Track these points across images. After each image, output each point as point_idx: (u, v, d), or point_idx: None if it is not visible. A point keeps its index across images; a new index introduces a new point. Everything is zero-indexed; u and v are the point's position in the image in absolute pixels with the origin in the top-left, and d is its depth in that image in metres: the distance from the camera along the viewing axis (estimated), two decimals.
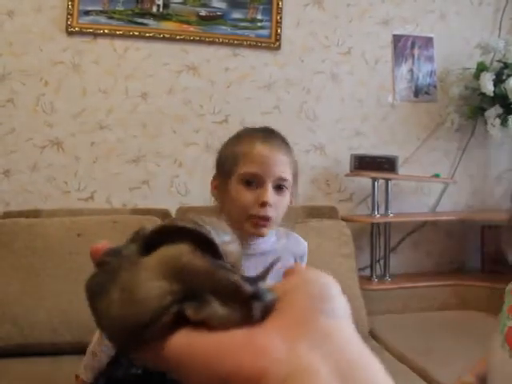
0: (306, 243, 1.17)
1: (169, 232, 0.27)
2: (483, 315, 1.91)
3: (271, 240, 1.10)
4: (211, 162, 1.21)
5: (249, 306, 0.24)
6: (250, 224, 1.00)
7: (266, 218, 0.99)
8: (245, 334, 0.24)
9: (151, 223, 1.81)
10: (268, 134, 1.05)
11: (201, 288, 0.25)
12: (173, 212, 1.94)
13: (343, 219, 2.11)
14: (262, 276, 0.26)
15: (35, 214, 1.84)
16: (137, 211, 1.94)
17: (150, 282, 0.25)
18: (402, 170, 2.32)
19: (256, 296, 0.25)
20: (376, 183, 2.22)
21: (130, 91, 2.16)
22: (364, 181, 2.32)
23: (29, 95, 2.06)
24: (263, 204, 0.98)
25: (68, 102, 2.10)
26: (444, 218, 2.39)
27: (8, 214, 1.84)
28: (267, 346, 0.23)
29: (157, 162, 2.18)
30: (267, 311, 0.25)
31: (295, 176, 1.06)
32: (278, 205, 1.01)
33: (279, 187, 1.01)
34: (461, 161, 2.52)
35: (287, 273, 0.29)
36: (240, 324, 0.24)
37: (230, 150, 1.07)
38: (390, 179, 2.24)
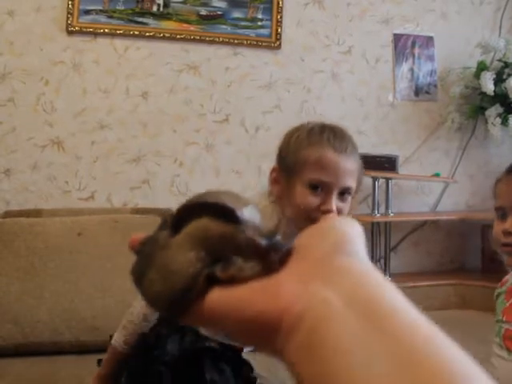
0: None
1: (191, 210, 0.30)
2: (483, 314, 1.91)
3: None
4: (211, 161, 1.21)
5: (267, 257, 0.27)
6: (310, 224, 1.00)
7: None
8: (266, 281, 0.27)
9: (156, 222, 1.81)
10: (339, 140, 1.03)
11: (224, 251, 0.28)
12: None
13: None
14: (275, 230, 0.29)
15: (36, 213, 1.84)
16: (137, 210, 1.94)
17: (181, 255, 0.28)
18: (402, 169, 2.32)
19: (272, 248, 0.28)
20: (376, 182, 2.22)
21: (131, 91, 2.16)
22: (364, 180, 2.31)
23: (29, 95, 2.06)
24: (327, 211, 0.98)
25: (68, 101, 2.10)
26: (444, 217, 2.39)
27: (9, 214, 1.84)
28: (285, 288, 0.26)
29: (157, 162, 2.18)
30: (284, 260, 0.28)
31: (359, 182, 1.07)
32: (340, 211, 1.01)
33: (343, 194, 1.02)
34: (461, 160, 2.52)
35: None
36: (262, 275, 0.27)
37: (297, 149, 1.04)
38: (390, 179, 2.24)
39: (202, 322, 0.28)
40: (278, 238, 0.29)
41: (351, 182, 1.02)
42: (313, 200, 0.99)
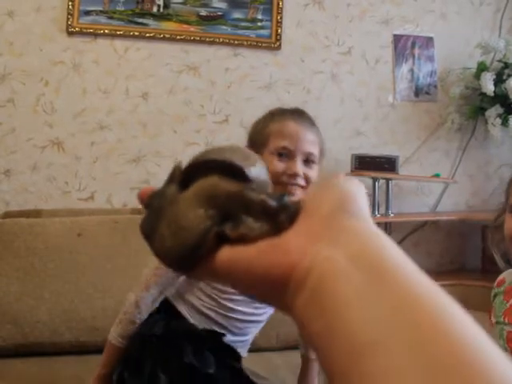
0: None
1: (199, 167, 0.30)
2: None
3: None
4: None
5: (276, 217, 0.28)
6: (280, 188, 1.09)
7: (297, 184, 1.09)
8: (275, 239, 0.27)
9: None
10: (299, 114, 1.17)
11: (234, 209, 0.29)
12: None
13: None
14: (284, 193, 0.30)
15: (35, 213, 1.84)
16: (137, 211, 1.94)
17: (190, 212, 0.29)
18: (402, 169, 2.32)
19: (281, 208, 0.28)
20: (376, 183, 2.22)
21: (131, 91, 2.16)
22: (364, 181, 2.32)
23: (29, 95, 2.06)
24: (293, 175, 1.08)
25: (68, 102, 2.10)
26: (444, 217, 2.39)
27: (8, 214, 1.84)
28: (293, 245, 0.26)
29: (157, 162, 2.18)
30: (293, 219, 0.28)
31: (322, 153, 1.17)
32: (307, 176, 1.10)
33: (307, 161, 1.12)
34: (461, 161, 2.52)
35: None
36: (271, 234, 0.28)
37: (262, 126, 1.16)
38: (390, 179, 2.24)
39: (212, 277, 0.30)
40: (287, 198, 0.29)
41: (313, 149, 1.13)
42: (279, 165, 1.09)
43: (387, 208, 2.24)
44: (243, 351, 1.21)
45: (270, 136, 1.13)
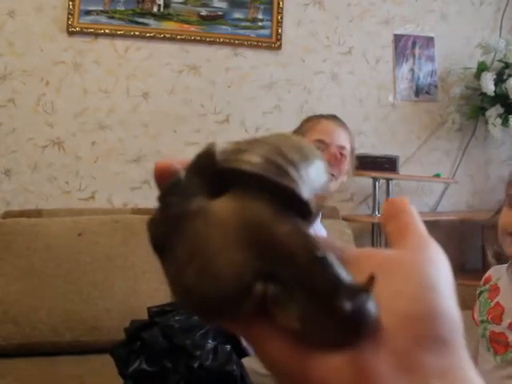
0: (325, 231, 1.36)
1: (246, 174, 0.21)
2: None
3: None
4: None
5: (346, 327, 0.19)
6: None
7: (330, 175, 1.20)
8: (348, 363, 0.19)
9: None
10: (332, 117, 1.30)
11: (286, 273, 0.20)
12: None
13: (344, 219, 2.11)
14: (369, 285, 0.19)
15: (36, 213, 1.84)
16: (138, 211, 1.94)
17: (229, 251, 0.20)
18: (402, 169, 2.32)
19: (359, 315, 0.19)
20: (377, 183, 2.21)
21: (131, 91, 2.16)
22: (365, 181, 2.32)
23: (30, 95, 2.06)
24: (328, 162, 1.14)
25: (69, 101, 2.10)
26: (445, 217, 2.39)
27: (9, 214, 1.84)
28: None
29: None
30: (365, 334, 0.19)
31: (352, 150, 1.29)
32: (339, 166, 1.21)
33: (340, 154, 1.22)
34: (461, 161, 2.51)
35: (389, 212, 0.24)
36: (332, 345, 0.19)
37: (299, 127, 1.29)
38: (390, 179, 2.24)
39: (247, 340, 0.22)
40: (368, 297, 0.19)
41: (346, 143, 1.24)
42: None
43: None
44: None
45: (306, 132, 1.23)
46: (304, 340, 0.19)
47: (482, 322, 1.06)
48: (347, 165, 1.26)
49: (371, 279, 0.19)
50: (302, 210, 0.21)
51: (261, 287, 0.20)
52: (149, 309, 1.14)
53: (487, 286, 1.10)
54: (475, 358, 1.13)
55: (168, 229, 0.22)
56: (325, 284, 0.19)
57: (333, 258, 0.20)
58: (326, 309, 0.19)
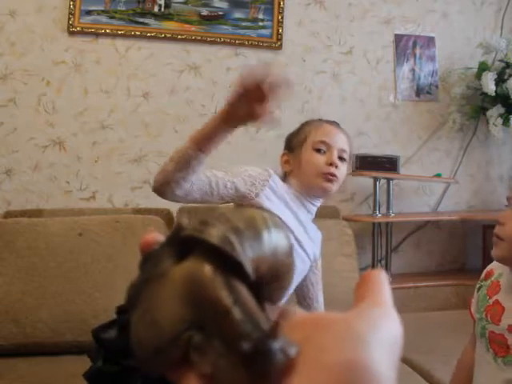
0: (320, 233, 1.36)
1: (201, 241, 0.24)
2: None
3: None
4: (212, 161, 1.22)
5: (250, 369, 0.21)
6: (322, 179, 1.23)
7: (334, 175, 1.22)
8: None
9: (157, 222, 1.81)
10: (333, 122, 1.33)
11: (210, 324, 0.23)
12: (174, 212, 1.94)
13: (345, 219, 2.11)
14: (273, 331, 0.22)
15: (37, 213, 1.85)
16: (138, 211, 1.94)
17: (169, 305, 0.24)
18: (403, 169, 2.32)
19: (259, 356, 0.21)
20: (377, 183, 2.21)
21: (132, 91, 2.16)
22: (365, 180, 2.32)
23: (30, 95, 2.06)
24: (332, 164, 1.22)
25: (70, 101, 2.10)
26: (445, 217, 2.39)
27: (10, 214, 1.84)
28: None
29: (158, 162, 2.17)
30: (270, 376, 0.21)
31: (350, 155, 1.32)
32: (340, 169, 1.24)
33: (340, 158, 1.25)
34: (462, 160, 2.51)
35: (363, 282, 0.25)
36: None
37: (300, 128, 1.31)
38: (391, 179, 2.24)
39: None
40: (281, 340, 0.22)
41: (346, 147, 1.27)
42: (320, 158, 1.23)
43: (388, 208, 2.24)
44: None
45: (309, 133, 1.27)
46: (210, 381, 0.22)
47: (480, 319, 1.04)
48: (345, 169, 1.28)
49: (276, 325, 0.22)
50: (240, 271, 0.24)
51: (187, 336, 0.23)
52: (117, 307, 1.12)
53: (488, 282, 1.07)
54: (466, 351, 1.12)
55: (138, 289, 0.25)
56: (232, 331, 0.22)
57: (250, 311, 0.23)
58: (232, 353, 0.22)
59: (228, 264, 0.24)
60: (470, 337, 1.14)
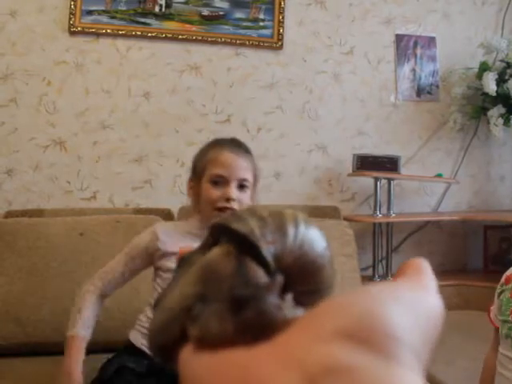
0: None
1: (224, 229, 0.25)
2: (486, 315, 1.91)
3: None
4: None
5: (239, 313, 0.22)
6: (216, 214, 1.20)
7: (230, 208, 1.20)
8: (240, 358, 0.20)
9: (157, 222, 1.81)
10: (233, 144, 1.27)
11: (216, 293, 0.23)
12: (175, 212, 1.95)
13: (345, 219, 2.11)
14: (271, 286, 0.23)
15: (38, 213, 1.85)
16: (139, 211, 1.94)
17: (182, 288, 0.24)
18: (404, 169, 2.32)
19: (252, 301, 0.22)
20: (378, 183, 2.21)
21: (133, 91, 2.16)
22: (366, 181, 2.32)
23: (31, 95, 2.06)
24: (228, 200, 1.19)
25: (71, 101, 2.10)
26: (446, 217, 2.39)
27: (11, 214, 1.84)
28: (265, 373, 0.18)
29: (159, 162, 2.18)
30: (268, 328, 0.21)
31: (256, 178, 1.28)
32: (240, 200, 1.21)
33: (241, 186, 1.22)
34: (463, 161, 2.51)
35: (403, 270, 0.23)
36: (236, 341, 0.21)
37: (201, 155, 1.28)
38: (392, 179, 2.24)
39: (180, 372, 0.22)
40: (273, 297, 0.22)
41: (247, 175, 1.23)
42: (215, 192, 1.20)
43: (389, 208, 2.24)
44: None
45: (208, 165, 1.23)
46: (201, 343, 0.21)
47: (506, 321, 1.05)
48: (249, 195, 1.25)
49: (273, 282, 0.23)
50: (258, 255, 0.23)
51: (186, 308, 0.23)
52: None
53: (510, 286, 1.08)
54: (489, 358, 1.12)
55: (169, 285, 0.25)
56: (227, 285, 0.22)
57: (253, 276, 0.23)
58: (223, 305, 0.22)
59: (246, 247, 0.23)
60: (492, 343, 1.14)
